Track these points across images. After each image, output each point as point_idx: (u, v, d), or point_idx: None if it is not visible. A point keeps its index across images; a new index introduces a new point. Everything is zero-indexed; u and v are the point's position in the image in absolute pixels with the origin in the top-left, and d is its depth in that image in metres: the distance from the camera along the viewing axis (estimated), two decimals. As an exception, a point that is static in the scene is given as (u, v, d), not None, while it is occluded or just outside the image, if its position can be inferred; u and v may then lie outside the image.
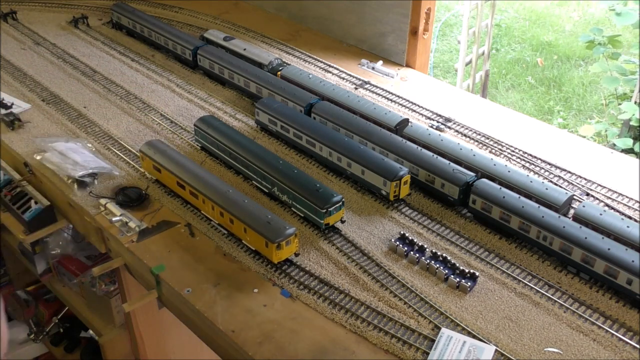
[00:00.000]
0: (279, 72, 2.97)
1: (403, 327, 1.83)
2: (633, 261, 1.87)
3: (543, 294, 1.94)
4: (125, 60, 3.29)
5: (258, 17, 3.79)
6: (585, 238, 1.96)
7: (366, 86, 3.04)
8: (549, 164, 2.50)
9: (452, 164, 2.30)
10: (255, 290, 1.96)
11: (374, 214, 2.27)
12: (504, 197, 2.13)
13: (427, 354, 1.75)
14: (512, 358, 1.74)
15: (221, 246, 2.12)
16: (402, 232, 2.14)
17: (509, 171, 2.27)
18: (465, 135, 2.69)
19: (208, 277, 2.00)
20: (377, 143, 2.44)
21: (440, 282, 1.98)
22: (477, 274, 1.97)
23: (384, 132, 2.48)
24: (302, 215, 2.21)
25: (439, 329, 1.82)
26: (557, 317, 1.87)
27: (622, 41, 5.32)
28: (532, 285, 1.96)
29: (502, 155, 2.56)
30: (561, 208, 2.13)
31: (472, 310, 1.89)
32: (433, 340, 1.79)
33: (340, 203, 2.14)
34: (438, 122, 2.77)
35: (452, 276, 1.97)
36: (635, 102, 4.93)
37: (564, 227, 2.00)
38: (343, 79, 3.12)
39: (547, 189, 2.19)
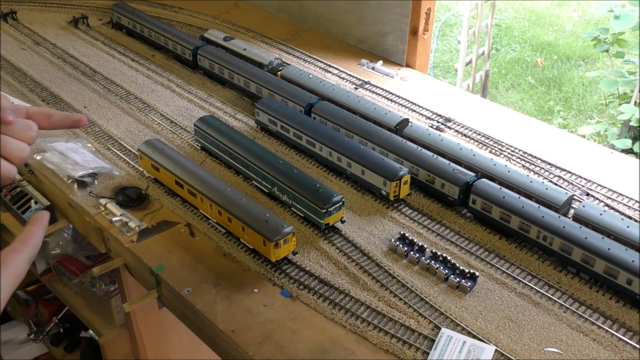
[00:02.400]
0: (279, 72, 2.96)
1: (403, 327, 1.83)
2: (633, 261, 1.87)
3: (543, 294, 1.94)
4: (125, 60, 3.29)
5: (258, 17, 3.79)
6: (585, 238, 1.96)
7: (366, 86, 3.04)
8: (549, 164, 2.50)
9: (452, 164, 2.30)
10: (255, 290, 1.96)
11: (374, 214, 2.27)
12: (504, 197, 2.13)
13: (427, 354, 1.75)
14: (512, 358, 1.74)
15: (221, 246, 2.12)
16: (402, 232, 2.14)
17: (509, 171, 2.27)
18: (465, 135, 2.69)
19: (208, 277, 2.00)
20: (377, 143, 2.44)
21: (440, 282, 1.98)
22: (477, 274, 1.97)
23: (384, 132, 2.48)
24: (302, 215, 2.21)
25: (439, 329, 1.82)
26: (557, 317, 1.87)
27: (626, 40, 5.34)
28: (532, 285, 1.96)
29: (502, 155, 2.56)
30: (561, 208, 2.13)
31: (472, 310, 1.89)
32: (433, 340, 1.79)
33: (340, 203, 2.14)
34: (438, 122, 2.77)
35: (452, 276, 1.97)
36: (635, 103, 4.94)
37: (564, 227, 2.00)
38: (343, 79, 3.12)
39: (547, 189, 2.18)
